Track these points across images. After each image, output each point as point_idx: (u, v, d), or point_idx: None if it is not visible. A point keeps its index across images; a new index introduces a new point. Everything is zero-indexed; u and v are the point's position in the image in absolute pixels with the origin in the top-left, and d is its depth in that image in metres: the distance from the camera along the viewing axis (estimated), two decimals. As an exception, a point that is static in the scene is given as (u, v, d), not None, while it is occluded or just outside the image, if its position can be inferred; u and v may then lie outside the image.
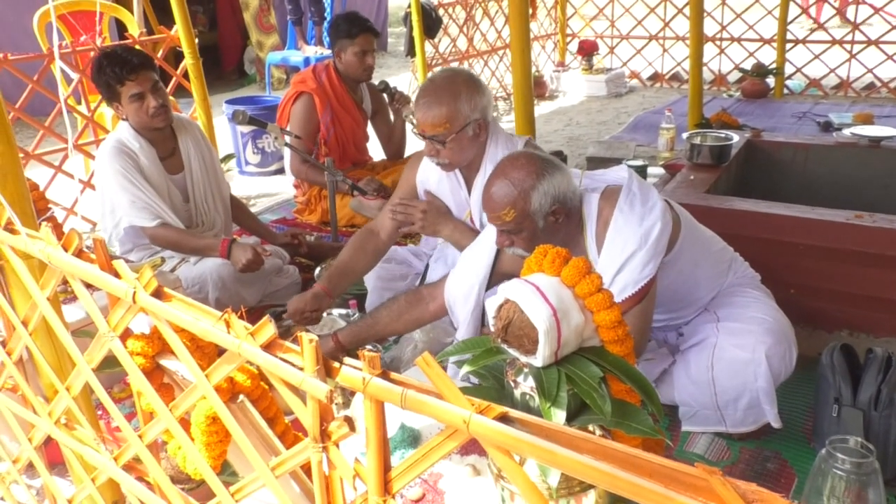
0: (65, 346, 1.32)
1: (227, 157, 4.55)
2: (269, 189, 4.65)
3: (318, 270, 3.02)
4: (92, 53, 3.80)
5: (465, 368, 1.15)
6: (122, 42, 4.08)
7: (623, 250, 1.85)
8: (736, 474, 1.95)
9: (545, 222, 1.88)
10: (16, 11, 6.15)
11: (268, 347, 0.92)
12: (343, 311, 2.75)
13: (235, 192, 4.49)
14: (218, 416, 1.09)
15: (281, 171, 4.81)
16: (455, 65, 6.64)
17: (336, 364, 0.87)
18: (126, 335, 1.19)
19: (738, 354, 1.95)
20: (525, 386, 1.16)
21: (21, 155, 3.58)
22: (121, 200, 2.76)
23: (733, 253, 2.31)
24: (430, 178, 2.41)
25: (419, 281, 2.66)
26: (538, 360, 1.10)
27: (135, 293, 1.06)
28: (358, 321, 2.35)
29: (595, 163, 4.73)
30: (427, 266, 2.65)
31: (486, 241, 2.10)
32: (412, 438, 1.76)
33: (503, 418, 0.75)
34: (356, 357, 2.33)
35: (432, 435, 1.78)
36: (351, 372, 0.85)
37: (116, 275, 1.13)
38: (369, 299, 2.70)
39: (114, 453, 1.34)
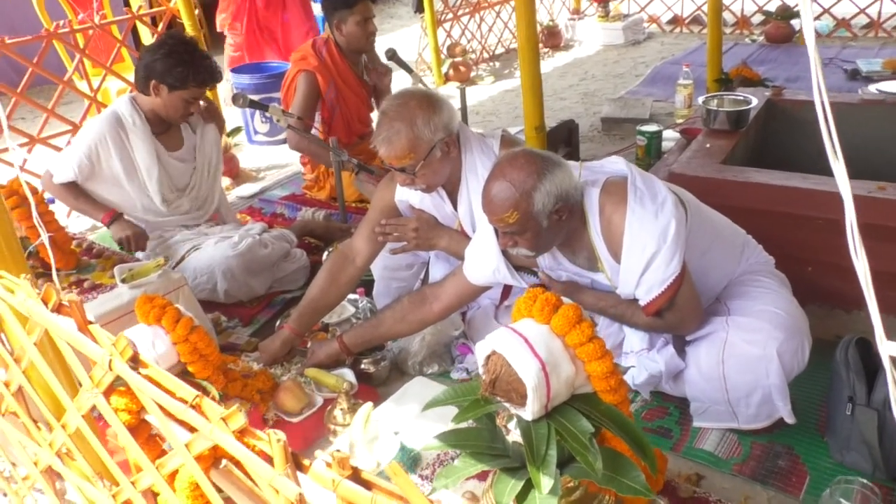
0: (53, 389, 1.31)
1: (235, 131, 4.49)
2: (278, 160, 4.60)
3: (325, 254, 2.99)
4: (90, 31, 3.73)
5: (453, 422, 1.12)
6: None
7: (643, 252, 1.82)
8: (747, 472, 1.93)
9: (549, 221, 1.83)
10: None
11: (239, 433, 0.89)
12: (351, 297, 2.72)
13: (245, 163, 4.48)
14: (203, 480, 1.07)
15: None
16: (466, 19, 6.44)
17: (306, 461, 0.84)
18: (110, 390, 1.17)
19: (749, 350, 1.90)
20: (516, 433, 1.13)
21: (26, 139, 3.58)
22: (73, 153, 2.73)
23: (745, 236, 2.23)
24: (412, 196, 2.33)
25: (424, 272, 2.62)
26: (527, 414, 1.07)
27: (111, 361, 1.03)
28: (362, 323, 2.33)
29: (610, 124, 4.61)
30: (429, 260, 2.60)
31: (489, 236, 2.04)
32: (412, 461, 1.75)
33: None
34: (361, 360, 2.30)
35: (432, 457, 1.77)
36: (321, 471, 0.82)
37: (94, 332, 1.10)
38: (376, 288, 2.68)
39: (112, 490, 1.35)
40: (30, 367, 1.42)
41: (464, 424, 1.31)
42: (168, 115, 2.77)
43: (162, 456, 1.13)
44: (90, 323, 1.09)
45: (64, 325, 1.12)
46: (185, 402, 0.95)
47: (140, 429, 1.19)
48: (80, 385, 1.19)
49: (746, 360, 1.90)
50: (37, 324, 1.27)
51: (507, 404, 1.11)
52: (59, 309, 1.17)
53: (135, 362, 1.04)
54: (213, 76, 2.75)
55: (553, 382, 1.06)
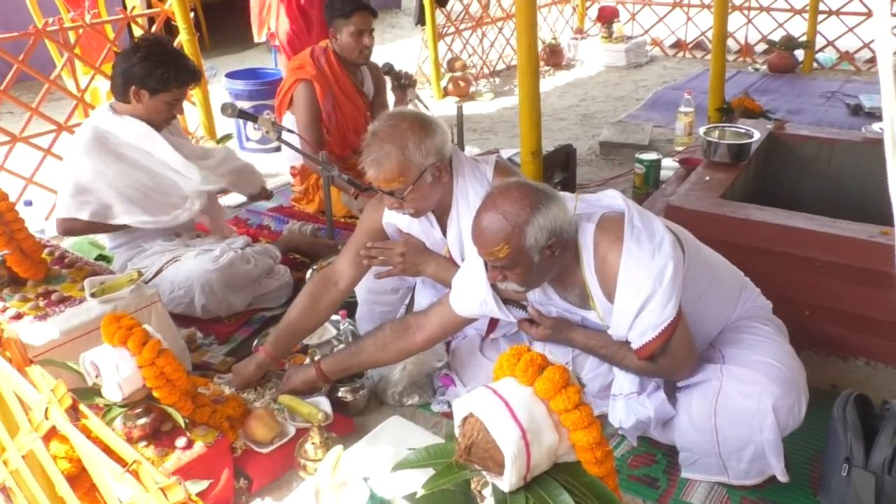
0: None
1: (225, 138, 4.39)
2: (269, 168, 4.49)
3: (309, 272, 2.89)
4: (80, 30, 3.64)
5: (422, 491, 1.03)
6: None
7: (638, 294, 1.74)
8: (735, 530, 1.84)
9: (541, 257, 1.75)
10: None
11: (179, 507, 0.79)
12: (333, 318, 2.62)
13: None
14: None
15: (280, 147, 4.64)
16: (467, 34, 6.38)
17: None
18: (51, 435, 1.07)
19: (743, 403, 1.82)
20: (491, 502, 1.03)
21: (7, 138, 3.48)
22: (75, 200, 2.62)
23: (743, 279, 2.15)
24: (400, 220, 2.25)
25: (409, 298, 2.53)
26: (504, 485, 0.98)
27: (47, 409, 0.94)
28: (341, 350, 2.24)
29: (608, 148, 4.54)
30: (415, 285, 2.50)
31: (477, 267, 1.95)
32: None
33: None
34: (339, 387, 2.21)
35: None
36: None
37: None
38: (359, 311, 2.58)
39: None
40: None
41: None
42: (151, 120, 2.67)
43: (103, 511, 1.03)
44: (31, 363, 0.99)
45: (0, 363, 1.02)
46: (123, 463, 0.85)
47: (82, 478, 1.09)
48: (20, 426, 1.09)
49: (740, 412, 1.82)
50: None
51: (483, 472, 1.02)
52: (-1, 343, 1.07)
53: (74, 411, 0.94)
54: (195, 75, 2.69)
55: (534, 452, 0.97)
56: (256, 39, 4.85)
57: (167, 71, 2.57)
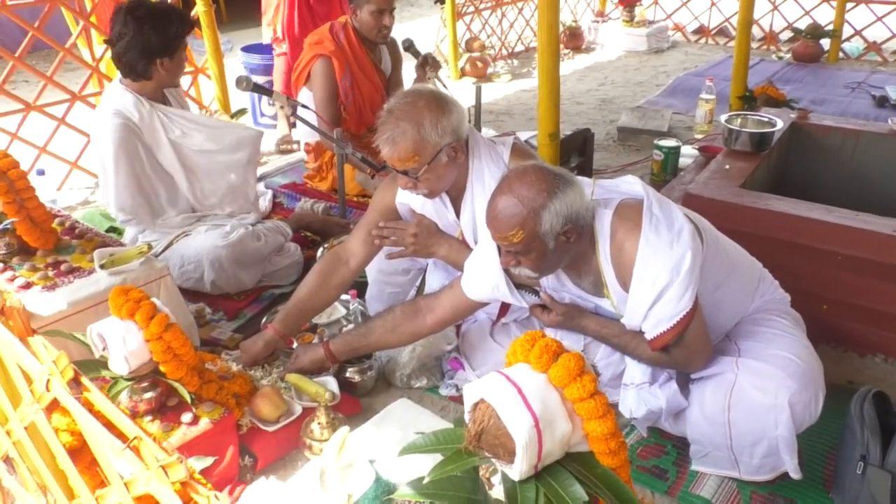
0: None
1: (240, 112, 4.36)
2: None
3: (320, 251, 2.87)
4: (97, -1, 3.61)
5: (428, 478, 1.00)
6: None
7: (654, 284, 1.70)
8: (745, 525, 1.81)
9: (556, 243, 1.71)
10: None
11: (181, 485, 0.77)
12: (343, 298, 2.60)
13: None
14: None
15: (295, 123, 4.60)
16: (487, 14, 6.29)
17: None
18: (54, 406, 1.05)
19: (758, 398, 1.78)
20: (499, 489, 1.01)
21: (21, 106, 3.46)
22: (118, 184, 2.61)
23: (762, 270, 2.11)
24: (413, 200, 2.21)
25: (420, 279, 2.50)
26: (514, 473, 0.95)
27: (49, 381, 0.91)
28: (351, 330, 2.21)
29: (626, 134, 4.47)
30: (427, 267, 2.47)
31: (490, 250, 1.92)
32: (386, 494, 1.63)
33: None
34: (347, 368, 2.18)
35: (409, 489, 1.65)
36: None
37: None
38: (369, 291, 2.56)
39: (56, 507, 1.23)
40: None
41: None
42: (174, 79, 2.71)
43: (104, 486, 1.01)
44: (33, 333, 0.97)
45: (3, 332, 1.00)
46: (125, 439, 0.83)
47: (83, 452, 1.07)
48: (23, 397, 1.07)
49: (755, 407, 1.78)
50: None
51: (493, 459, 0.99)
52: (2, 311, 1.05)
53: (77, 384, 0.92)
54: (191, 19, 2.78)
55: (546, 440, 0.94)
56: (264, 41, 4.77)
57: (176, 27, 2.58)
